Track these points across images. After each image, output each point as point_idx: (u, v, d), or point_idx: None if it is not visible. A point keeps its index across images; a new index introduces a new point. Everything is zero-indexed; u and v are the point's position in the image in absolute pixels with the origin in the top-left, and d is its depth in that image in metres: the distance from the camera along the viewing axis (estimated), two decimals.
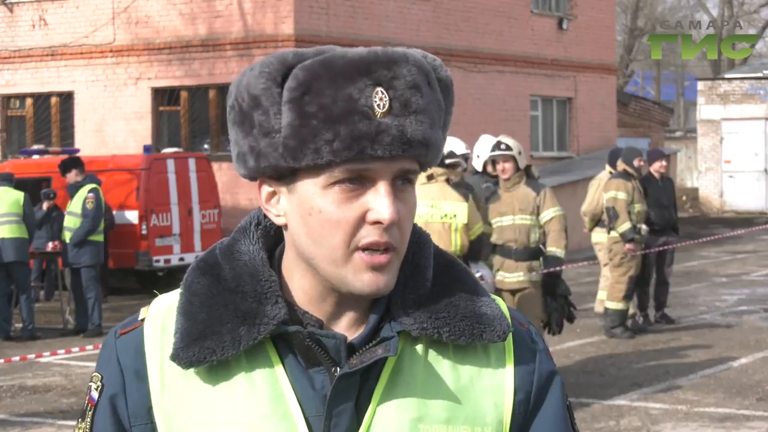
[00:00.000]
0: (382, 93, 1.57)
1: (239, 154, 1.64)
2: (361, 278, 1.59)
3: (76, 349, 10.61)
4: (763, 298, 16.20)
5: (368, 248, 1.59)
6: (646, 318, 13.65)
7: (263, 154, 1.60)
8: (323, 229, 1.59)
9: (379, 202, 1.58)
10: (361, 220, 1.58)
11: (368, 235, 1.58)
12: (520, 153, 9.65)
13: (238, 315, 1.63)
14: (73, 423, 1.81)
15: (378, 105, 1.56)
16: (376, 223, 1.58)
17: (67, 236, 14.06)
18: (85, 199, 14.00)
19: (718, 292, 17.01)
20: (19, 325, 14.05)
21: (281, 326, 1.62)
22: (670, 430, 8.70)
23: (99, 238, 14.20)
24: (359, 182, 1.58)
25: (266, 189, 1.65)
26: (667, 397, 9.77)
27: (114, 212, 16.46)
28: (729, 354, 11.76)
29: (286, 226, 1.65)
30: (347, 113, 1.56)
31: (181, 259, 17.55)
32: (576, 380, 10.08)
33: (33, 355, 9.79)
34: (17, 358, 9.99)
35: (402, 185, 1.61)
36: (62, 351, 10.71)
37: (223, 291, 1.66)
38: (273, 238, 1.71)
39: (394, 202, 1.58)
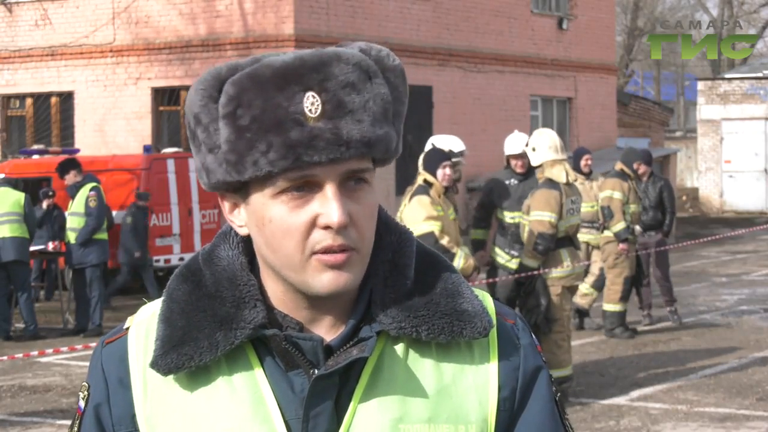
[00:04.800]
0: (314, 97, 1.55)
1: (197, 169, 1.65)
2: (321, 279, 1.59)
3: (64, 348, 10.58)
4: (763, 298, 16.20)
5: (324, 251, 1.58)
6: (649, 317, 13.71)
7: (211, 170, 1.61)
8: (276, 238, 1.59)
9: (326, 206, 1.56)
10: (312, 225, 1.58)
11: (322, 239, 1.57)
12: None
13: (216, 320, 1.63)
14: None
15: (309, 110, 1.55)
16: (327, 227, 1.57)
17: (72, 237, 14.01)
18: (88, 197, 13.97)
19: (718, 292, 17.01)
20: (20, 326, 14.05)
21: (258, 330, 1.62)
22: (670, 430, 8.70)
23: (104, 236, 14.18)
24: (306, 188, 1.57)
25: (227, 201, 1.66)
26: (667, 397, 9.77)
27: (114, 212, 16.46)
28: (729, 354, 11.76)
29: (249, 236, 1.66)
30: (279, 122, 1.54)
31: (181, 259, 17.51)
32: (576, 380, 10.07)
33: (21, 354, 9.78)
34: (5, 358, 9.98)
35: (356, 185, 1.60)
36: (50, 350, 10.70)
37: (202, 297, 1.66)
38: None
39: (342, 205, 1.57)
